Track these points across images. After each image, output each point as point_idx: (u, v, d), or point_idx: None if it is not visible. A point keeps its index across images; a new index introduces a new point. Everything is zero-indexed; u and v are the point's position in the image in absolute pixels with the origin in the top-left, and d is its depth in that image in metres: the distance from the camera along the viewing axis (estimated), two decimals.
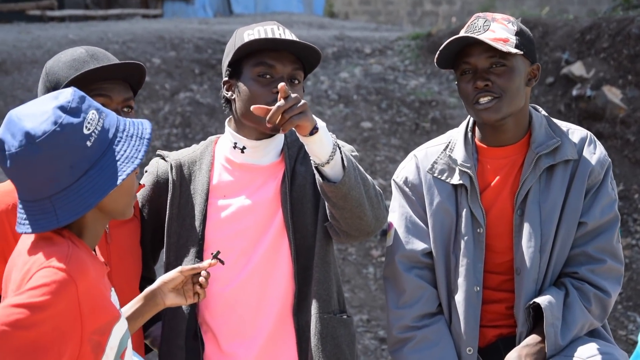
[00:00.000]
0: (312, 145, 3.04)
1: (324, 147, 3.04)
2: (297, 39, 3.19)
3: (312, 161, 3.09)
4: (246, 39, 3.18)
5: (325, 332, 3.22)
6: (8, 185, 3.05)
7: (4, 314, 2.27)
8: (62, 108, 2.42)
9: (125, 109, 3.12)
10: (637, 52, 10.53)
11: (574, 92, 10.55)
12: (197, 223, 3.22)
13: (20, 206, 2.46)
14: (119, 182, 2.45)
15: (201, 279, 2.94)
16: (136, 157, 2.49)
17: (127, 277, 3.18)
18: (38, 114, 2.41)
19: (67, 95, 2.46)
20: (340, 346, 3.26)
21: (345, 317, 3.31)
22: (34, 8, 16.30)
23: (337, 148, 3.07)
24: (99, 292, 2.44)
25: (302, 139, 3.05)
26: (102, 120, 2.47)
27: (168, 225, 3.25)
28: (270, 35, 3.18)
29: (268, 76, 3.18)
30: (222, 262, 3.00)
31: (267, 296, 3.23)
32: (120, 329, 2.52)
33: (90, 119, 2.44)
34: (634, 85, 10.43)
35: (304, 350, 3.23)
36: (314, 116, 3.03)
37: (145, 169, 3.39)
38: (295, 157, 3.29)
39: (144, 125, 2.57)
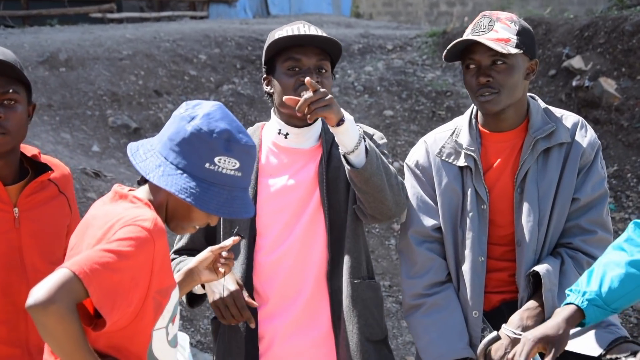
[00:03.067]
0: (340, 135, 3.07)
1: (350, 137, 3.08)
2: (319, 34, 3.21)
3: (340, 149, 3.12)
4: (275, 38, 3.23)
5: (355, 295, 3.24)
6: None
7: (96, 255, 2.29)
8: (228, 137, 2.50)
9: (5, 102, 3.02)
10: (630, 47, 10.43)
11: (574, 83, 10.47)
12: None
13: (160, 156, 2.48)
14: (246, 215, 2.51)
15: (224, 253, 2.94)
16: (235, 212, 2.52)
17: (43, 257, 3.06)
18: (246, 132, 2.53)
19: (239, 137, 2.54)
20: (369, 307, 3.28)
21: (373, 282, 3.33)
22: (96, 11, 16.35)
23: (363, 139, 3.10)
24: (168, 257, 2.49)
25: (331, 129, 3.08)
26: (240, 172, 2.53)
27: None
28: (293, 33, 3.21)
29: (297, 69, 3.21)
30: (242, 237, 3.01)
31: (306, 263, 3.25)
32: (175, 296, 2.55)
33: (233, 162, 2.51)
34: (627, 77, 10.34)
35: (336, 311, 3.25)
36: (342, 109, 3.05)
37: None
38: (331, 141, 3.30)
39: (245, 204, 2.57)
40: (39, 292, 2.20)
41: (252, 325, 3.15)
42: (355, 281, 3.25)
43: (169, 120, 2.55)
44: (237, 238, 2.96)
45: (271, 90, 3.30)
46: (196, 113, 2.48)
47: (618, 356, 2.98)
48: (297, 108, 3.00)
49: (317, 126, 3.32)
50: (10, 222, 3.03)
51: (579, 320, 2.94)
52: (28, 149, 3.15)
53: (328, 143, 3.31)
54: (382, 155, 3.19)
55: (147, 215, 2.42)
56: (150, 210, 2.47)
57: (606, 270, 2.94)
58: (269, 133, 3.35)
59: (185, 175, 2.45)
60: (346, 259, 3.25)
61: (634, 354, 2.97)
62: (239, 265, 3.25)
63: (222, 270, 2.95)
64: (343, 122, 3.04)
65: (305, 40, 3.21)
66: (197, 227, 2.60)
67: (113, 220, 2.42)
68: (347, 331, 3.23)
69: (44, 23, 14.89)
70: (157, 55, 10.98)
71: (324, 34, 3.23)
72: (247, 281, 3.25)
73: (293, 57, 3.21)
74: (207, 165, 2.46)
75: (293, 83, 3.20)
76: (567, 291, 3.01)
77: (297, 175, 3.28)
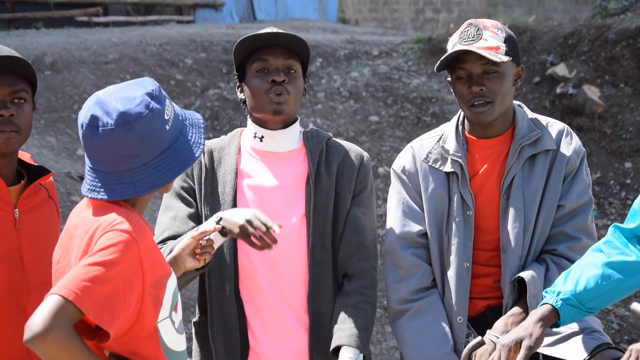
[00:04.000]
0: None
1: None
2: (283, 32, 3.20)
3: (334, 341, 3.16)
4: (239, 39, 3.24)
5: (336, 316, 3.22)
6: None
7: (82, 272, 2.29)
8: (150, 95, 2.48)
9: (16, 100, 3.01)
10: (613, 55, 10.48)
11: (558, 90, 10.51)
12: (229, 198, 3.21)
13: (92, 175, 2.48)
14: (193, 163, 2.54)
15: (202, 241, 2.92)
16: (201, 143, 2.58)
17: (41, 259, 3.04)
18: (130, 98, 2.45)
19: (152, 83, 2.52)
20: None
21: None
22: (82, 15, 16.31)
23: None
24: (154, 249, 2.49)
25: None
26: (173, 108, 2.54)
27: (204, 202, 3.24)
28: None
29: (265, 70, 3.20)
30: (224, 227, 2.97)
31: (285, 274, 3.21)
32: (172, 283, 2.55)
33: (168, 106, 2.50)
34: (610, 85, 10.39)
35: (315, 334, 3.23)
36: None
37: None
38: (317, 160, 3.27)
39: (197, 116, 2.64)
40: (34, 324, 2.21)
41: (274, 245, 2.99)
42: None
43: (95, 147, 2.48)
44: (218, 226, 2.93)
45: (244, 97, 3.29)
46: (106, 120, 2.43)
47: None
48: None
49: (294, 129, 3.29)
50: (11, 223, 3.02)
51: (554, 320, 2.96)
52: (20, 152, 3.16)
53: (315, 162, 3.26)
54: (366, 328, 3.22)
55: (122, 216, 2.42)
56: (122, 210, 2.45)
57: (583, 271, 2.96)
58: (247, 138, 3.33)
59: (159, 157, 2.47)
60: (329, 283, 3.23)
61: None
62: (225, 265, 3.21)
63: (205, 256, 2.93)
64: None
65: (269, 38, 3.19)
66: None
67: (93, 229, 2.42)
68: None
69: (29, 26, 14.86)
70: (143, 60, 10.97)
71: (291, 33, 3.21)
72: (235, 287, 3.22)
73: (260, 57, 3.20)
74: (166, 127, 2.48)
75: (262, 84, 3.18)
76: (543, 292, 3.02)
77: (277, 178, 3.25)
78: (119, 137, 2.42)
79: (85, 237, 2.42)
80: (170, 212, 3.24)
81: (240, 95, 3.31)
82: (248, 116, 3.33)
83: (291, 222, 3.21)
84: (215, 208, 3.22)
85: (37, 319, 2.22)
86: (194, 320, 3.35)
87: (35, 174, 3.13)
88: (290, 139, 3.29)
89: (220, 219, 2.98)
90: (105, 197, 2.45)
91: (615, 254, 2.96)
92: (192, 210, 3.24)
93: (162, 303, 2.48)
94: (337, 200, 3.25)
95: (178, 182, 3.27)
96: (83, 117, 2.46)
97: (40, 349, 2.22)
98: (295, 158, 3.29)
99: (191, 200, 3.26)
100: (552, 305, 2.95)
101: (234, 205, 3.21)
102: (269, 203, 3.21)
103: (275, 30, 3.21)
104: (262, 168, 3.27)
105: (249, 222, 2.92)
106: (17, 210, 3.03)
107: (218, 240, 3.03)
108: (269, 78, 3.18)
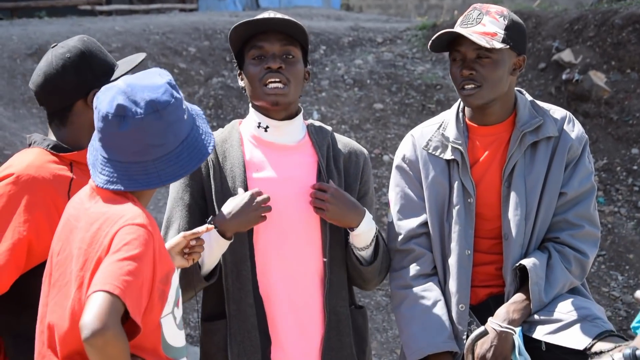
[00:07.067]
0: (352, 236, 3.15)
1: (361, 240, 3.15)
2: (277, 17, 3.11)
3: (350, 241, 3.18)
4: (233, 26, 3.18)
5: (353, 318, 3.26)
6: (37, 158, 2.96)
7: (118, 267, 2.29)
8: (170, 84, 2.48)
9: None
10: (619, 40, 10.45)
11: (564, 76, 10.48)
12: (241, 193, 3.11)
13: (109, 166, 2.45)
14: (210, 151, 2.54)
15: (192, 242, 2.86)
16: (210, 133, 2.58)
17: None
18: (155, 86, 2.45)
19: (166, 73, 2.52)
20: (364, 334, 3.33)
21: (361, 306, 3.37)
22: (85, 3, 16.31)
23: (374, 242, 3.18)
24: (163, 244, 2.49)
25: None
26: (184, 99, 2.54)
27: (216, 198, 3.13)
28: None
29: (262, 57, 3.13)
30: (216, 227, 2.97)
31: (300, 269, 3.17)
32: (176, 279, 2.55)
33: (182, 97, 2.50)
34: (616, 70, 10.36)
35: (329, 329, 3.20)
36: (359, 215, 3.12)
37: None
38: (325, 154, 3.23)
39: (195, 107, 2.64)
40: (90, 322, 2.21)
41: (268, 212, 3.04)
42: (353, 306, 3.27)
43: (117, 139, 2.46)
44: (211, 226, 2.90)
45: (244, 85, 3.21)
46: (135, 109, 2.42)
47: (602, 349, 2.99)
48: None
49: (298, 120, 3.23)
50: None
51: None
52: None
53: (324, 157, 3.22)
54: (384, 243, 3.28)
55: (133, 211, 2.41)
56: (131, 204, 2.44)
57: None
58: (248, 127, 3.24)
59: (180, 147, 2.48)
60: (344, 280, 3.23)
61: (619, 347, 2.98)
62: (242, 263, 3.13)
63: (192, 257, 2.90)
64: (353, 230, 3.12)
65: (262, 24, 3.12)
66: None
67: (100, 221, 2.40)
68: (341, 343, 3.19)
69: (32, 15, 14.84)
70: (146, 48, 10.95)
71: (285, 17, 3.12)
72: (253, 278, 3.13)
73: (256, 45, 3.13)
74: (184, 116, 2.49)
75: (258, 71, 3.12)
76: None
77: (288, 171, 3.17)
78: (148, 126, 2.41)
79: (90, 229, 2.40)
80: (174, 224, 3.15)
81: (241, 83, 3.23)
82: (250, 104, 3.27)
83: (306, 214, 3.15)
84: None
85: (91, 317, 2.21)
86: (204, 326, 3.22)
87: None
88: (296, 130, 3.23)
89: (212, 217, 2.97)
90: (126, 188, 2.44)
91: None
92: (195, 219, 3.14)
93: (167, 298, 2.48)
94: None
95: (180, 187, 3.17)
96: (107, 107, 2.43)
97: (99, 347, 2.20)
98: (302, 150, 3.23)
99: (195, 205, 3.16)
100: None
101: None
102: (281, 196, 3.12)
103: (270, 15, 3.13)
104: (271, 160, 3.19)
105: (248, 204, 2.98)
106: None
107: (222, 247, 3.01)
108: (265, 65, 3.11)
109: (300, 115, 3.25)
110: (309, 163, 3.21)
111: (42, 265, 2.71)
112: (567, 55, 10.62)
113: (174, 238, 2.89)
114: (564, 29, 10.96)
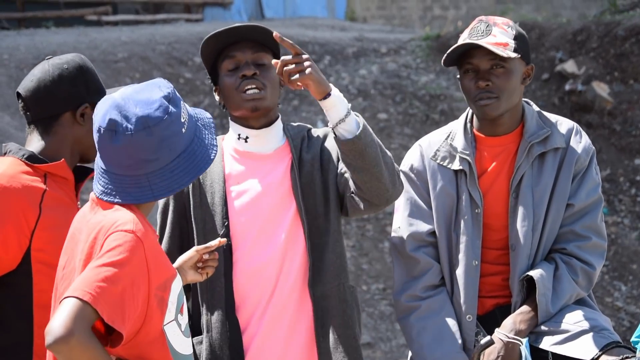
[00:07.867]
0: (327, 109, 2.99)
1: (337, 110, 2.98)
2: (244, 25, 3.15)
3: (329, 124, 3.03)
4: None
5: (343, 299, 3.18)
6: (10, 167, 2.93)
7: (94, 274, 2.27)
8: (167, 98, 2.46)
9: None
10: (622, 51, 10.46)
11: (567, 87, 10.50)
12: (220, 209, 3.15)
13: (106, 177, 2.45)
14: (210, 165, 2.51)
15: (205, 256, 2.88)
16: (215, 145, 2.55)
17: None
18: (149, 102, 2.43)
19: (167, 85, 2.50)
20: (355, 311, 3.23)
21: (353, 287, 3.27)
22: (92, 14, 16.33)
23: (351, 112, 3.01)
24: (159, 251, 2.47)
25: (320, 103, 3.01)
26: (187, 110, 2.51)
27: (194, 214, 3.17)
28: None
29: (236, 68, 3.16)
30: (229, 241, 2.98)
31: (287, 272, 3.17)
32: (177, 285, 2.53)
33: (183, 109, 2.48)
34: (619, 81, 10.37)
35: (321, 317, 3.18)
36: (329, 84, 2.98)
37: None
38: (299, 147, 3.24)
39: (206, 115, 2.62)
40: (55, 329, 2.19)
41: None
42: (342, 285, 3.20)
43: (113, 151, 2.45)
44: (223, 240, 2.91)
45: (221, 99, 3.24)
46: (125, 125, 2.40)
47: None
48: (276, 71, 2.95)
49: (277, 127, 3.24)
50: None
51: None
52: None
53: (297, 149, 3.23)
54: (373, 132, 3.10)
55: (125, 217, 2.40)
56: (126, 211, 2.43)
57: None
58: (229, 141, 3.26)
59: (175, 161, 2.45)
60: (330, 264, 3.18)
61: (626, 358, 2.97)
62: (218, 278, 3.13)
63: (205, 271, 2.90)
64: (329, 96, 2.96)
65: (233, 34, 3.15)
66: None
67: (96, 230, 2.40)
68: (336, 335, 3.16)
69: (39, 25, 14.87)
70: (152, 58, 10.98)
71: (254, 24, 3.16)
72: (228, 294, 3.14)
73: (228, 54, 3.16)
74: (182, 130, 2.46)
75: (234, 81, 3.14)
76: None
77: (265, 179, 3.19)
78: (138, 142, 2.40)
79: (88, 240, 2.40)
80: None
81: (218, 98, 3.26)
82: (229, 118, 3.27)
83: (287, 220, 3.16)
84: (205, 220, 3.16)
85: (58, 323, 2.19)
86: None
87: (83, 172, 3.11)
88: (275, 137, 3.24)
89: (225, 227, 2.97)
90: (120, 200, 2.43)
91: None
92: (174, 239, 3.18)
93: (167, 305, 2.46)
94: (325, 179, 3.20)
95: (162, 207, 3.21)
96: (100, 120, 2.43)
97: (64, 353, 2.19)
98: (281, 156, 3.24)
99: (176, 224, 3.20)
100: None
101: (226, 214, 3.15)
102: (261, 206, 3.16)
103: (239, 24, 3.16)
104: (249, 171, 3.21)
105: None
106: (79, 204, 3.00)
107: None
108: (240, 74, 3.14)
109: (279, 121, 3.26)
110: (286, 165, 3.22)
111: (8, 276, 2.75)
112: (570, 66, 10.63)
113: (187, 252, 2.91)
114: (567, 40, 10.97)
